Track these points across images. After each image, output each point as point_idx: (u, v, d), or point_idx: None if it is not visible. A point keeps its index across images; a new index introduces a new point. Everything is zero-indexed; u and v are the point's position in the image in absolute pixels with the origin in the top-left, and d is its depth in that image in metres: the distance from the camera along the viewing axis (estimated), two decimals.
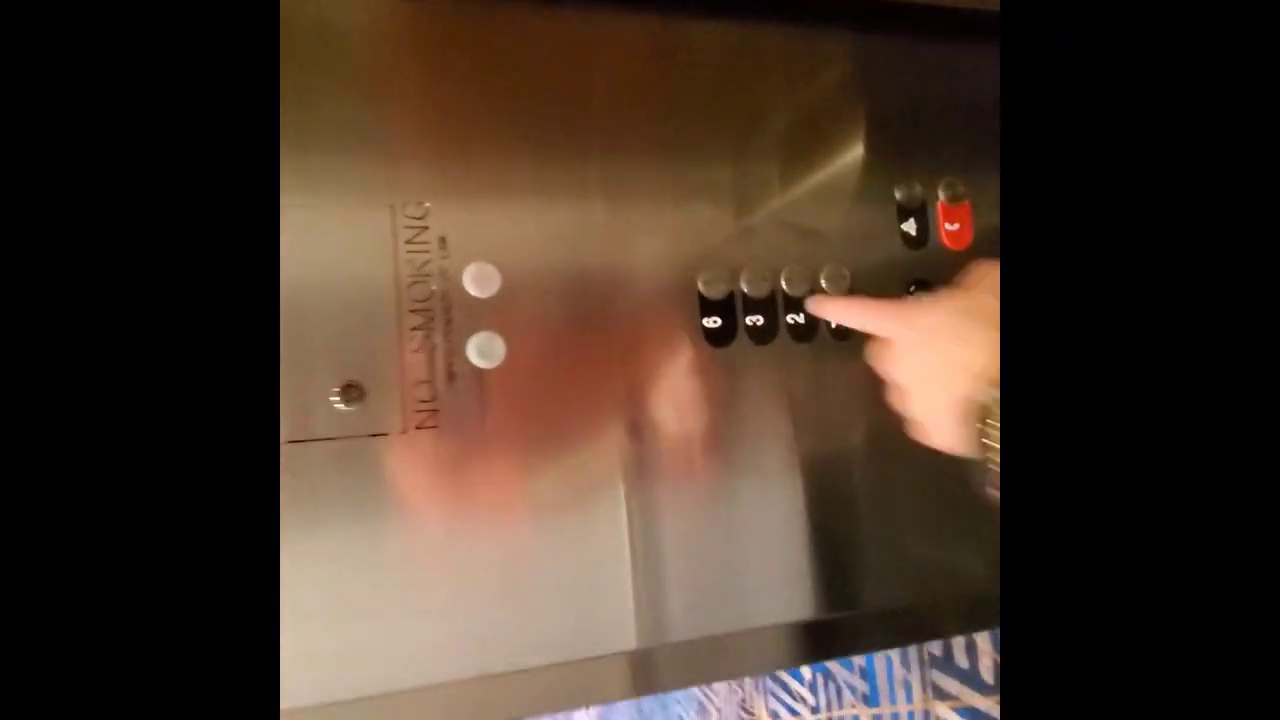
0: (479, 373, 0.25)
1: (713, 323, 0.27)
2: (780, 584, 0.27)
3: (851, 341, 0.29)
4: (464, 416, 0.25)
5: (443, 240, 0.25)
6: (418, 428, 0.24)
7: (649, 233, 0.27)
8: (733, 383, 0.27)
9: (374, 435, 0.24)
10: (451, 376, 0.25)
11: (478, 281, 0.25)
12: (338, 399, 0.23)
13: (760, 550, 0.27)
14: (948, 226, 0.31)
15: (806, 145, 0.30)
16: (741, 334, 0.28)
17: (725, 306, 0.28)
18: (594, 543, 0.25)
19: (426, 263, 0.25)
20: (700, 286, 0.27)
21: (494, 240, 0.25)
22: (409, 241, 0.25)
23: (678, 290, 0.27)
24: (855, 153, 0.30)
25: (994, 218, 0.31)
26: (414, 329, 0.24)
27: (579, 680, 0.24)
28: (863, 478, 0.29)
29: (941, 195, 0.31)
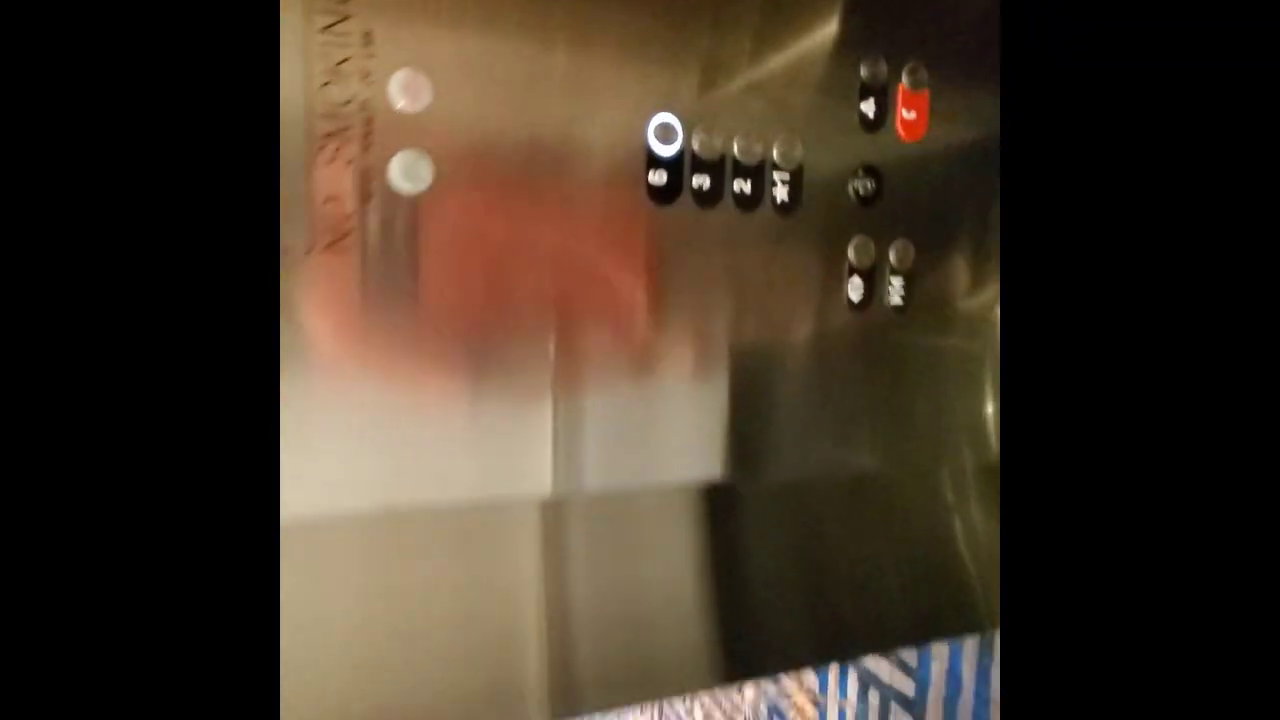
0: (399, 198, 0.22)
1: (658, 178, 0.26)
2: (694, 446, 0.27)
3: (795, 218, 0.28)
4: (379, 244, 0.22)
5: (367, 35, 0.22)
6: (324, 249, 0.22)
7: (606, 81, 0.25)
8: (670, 245, 0.26)
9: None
10: (367, 197, 0.22)
11: (407, 91, 0.22)
12: None
13: (680, 411, 0.27)
14: (905, 113, 0.30)
15: (782, 12, 0.27)
16: (686, 194, 0.26)
17: (673, 164, 0.26)
18: (514, 392, 0.24)
19: (345, 60, 0.21)
20: (650, 139, 0.25)
21: (431, 47, 0.22)
22: (325, 30, 0.21)
23: (627, 143, 0.25)
24: (829, 24, 0.28)
25: (951, 115, 0.31)
26: (326, 135, 0.21)
27: (488, 524, 0.24)
28: (795, 361, 0.29)
29: (905, 80, 0.29)
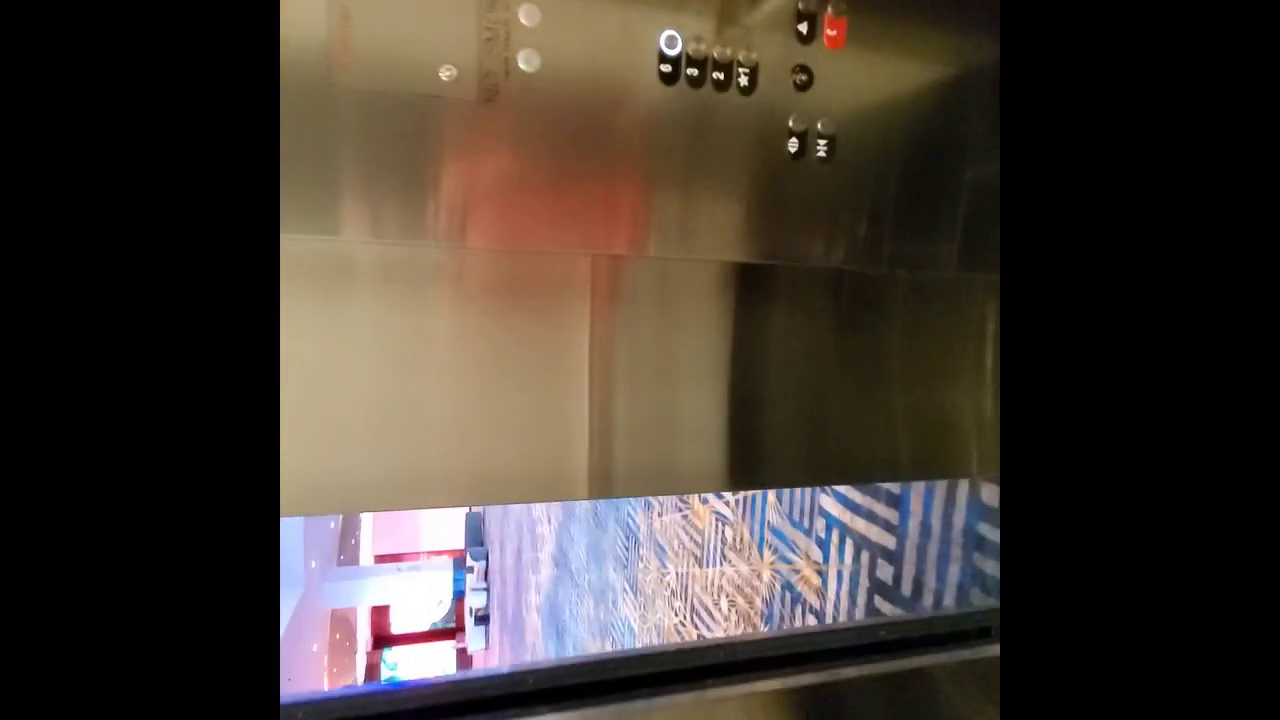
0: (524, 74, 0.42)
1: (665, 69, 0.44)
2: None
3: (753, 98, 0.46)
4: (514, 106, 0.42)
5: None
6: (483, 103, 0.41)
7: (640, 10, 0.43)
8: (668, 112, 0.45)
9: (459, 98, 0.41)
10: (507, 73, 0.41)
11: (528, 15, 0.41)
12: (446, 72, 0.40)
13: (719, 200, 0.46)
14: (829, 31, 0.47)
15: None
16: (682, 79, 0.44)
17: (675, 60, 0.44)
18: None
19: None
20: (661, 45, 0.44)
21: None
22: None
23: (647, 47, 0.44)
24: None
25: (865, 34, 0.47)
26: (487, 40, 0.41)
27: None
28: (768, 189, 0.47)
29: (829, 9, 0.47)
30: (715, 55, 0.45)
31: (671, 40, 0.44)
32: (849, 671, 0.54)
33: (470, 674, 0.50)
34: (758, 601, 1.36)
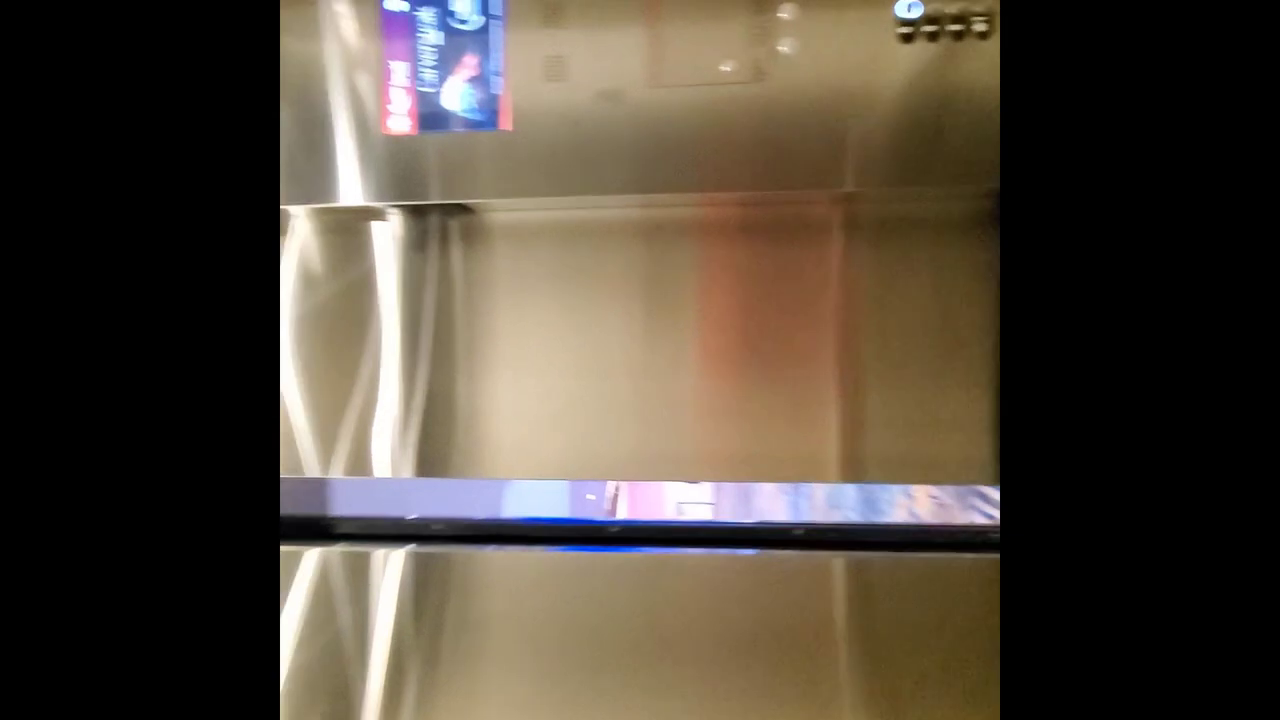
0: (787, 57, 0.53)
1: (903, 29, 0.52)
2: None
3: (990, 42, 0.51)
4: (779, 81, 0.54)
5: None
6: (756, 81, 0.54)
7: None
8: (908, 63, 0.53)
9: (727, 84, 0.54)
10: (773, 57, 0.54)
11: (787, 12, 0.53)
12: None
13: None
14: None
15: None
16: (920, 36, 0.52)
17: (913, 22, 0.52)
18: None
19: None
20: (898, 10, 0.52)
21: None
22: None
23: (890, 11, 0.53)
24: None
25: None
26: (755, 28, 0.54)
27: None
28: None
29: None
30: (951, 10, 0.52)
31: (912, 6, 0.52)
32: None
33: None
34: None
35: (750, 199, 0.57)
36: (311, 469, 0.65)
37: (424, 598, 0.62)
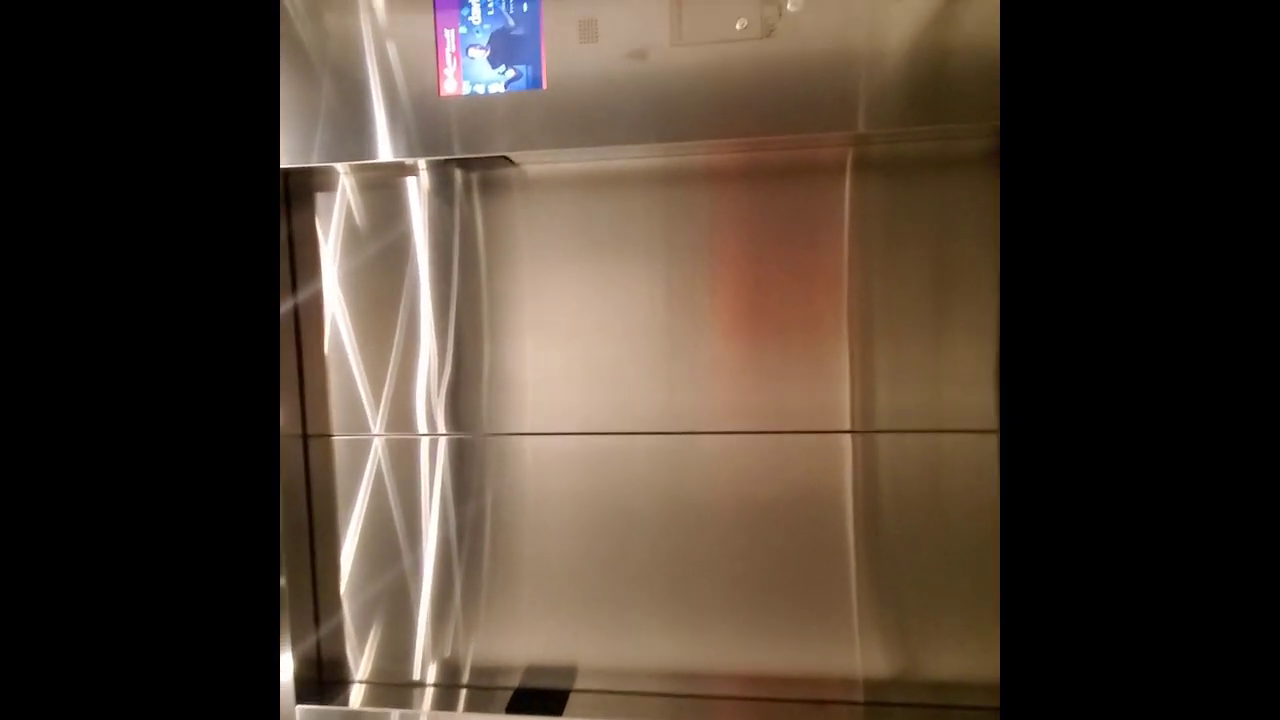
0: (793, 15, 0.60)
1: None
2: None
3: None
4: (788, 37, 0.60)
5: None
6: (766, 36, 0.61)
7: None
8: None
9: (741, 40, 0.61)
10: (781, 14, 0.60)
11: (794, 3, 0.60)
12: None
13: None
14: None
15: None
16: None
17: None
18: None
19: None
20: None
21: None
22: None
23: None
24: None
25: None
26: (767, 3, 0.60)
27: None
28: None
29: None
30: None
31: None
32: None
33: None
34: None
35: (763, 144, 0.64)
36: (361, 426, 0.74)
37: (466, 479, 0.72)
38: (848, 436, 0.69)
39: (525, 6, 0.63)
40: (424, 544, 0.76)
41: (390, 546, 0.77)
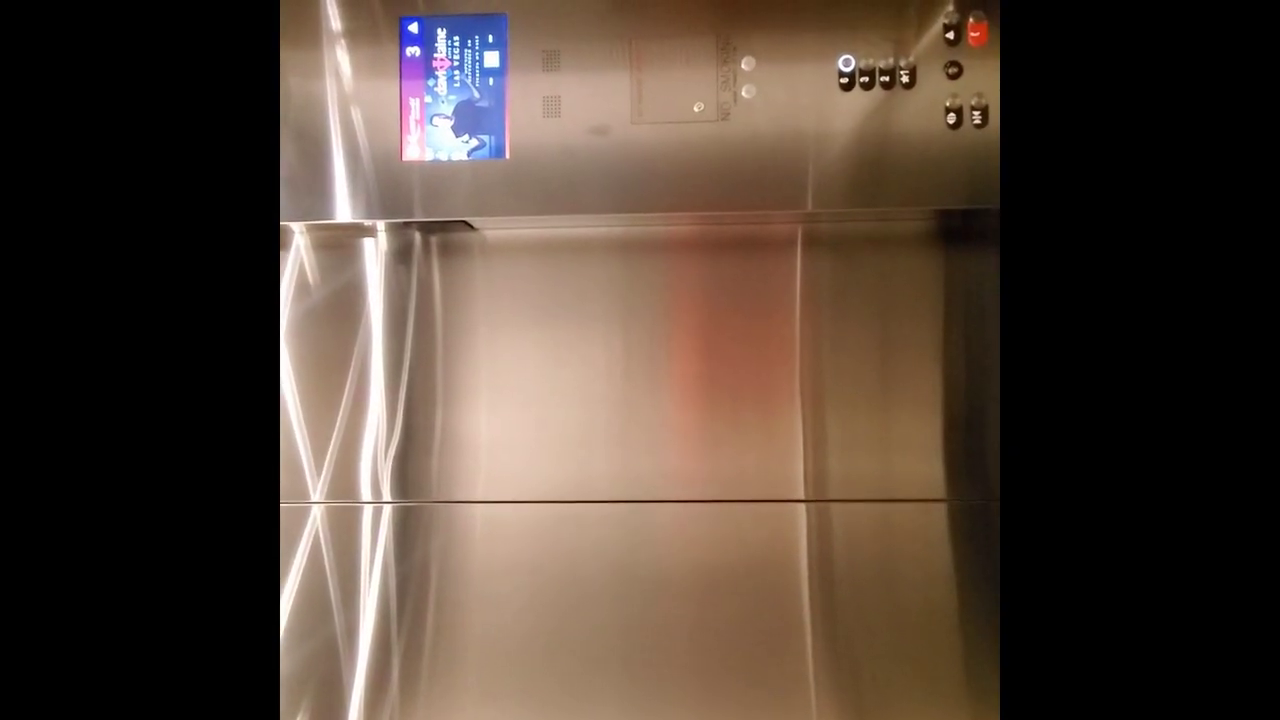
0: (747, 100, 0.64)
1: (844, 80, 0.63)
2: None
3: (915, 91, 0.63)
4: (741, 120, 0.64)
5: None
6: (722, 120, 0.64)
7: (832, 39, 0.64)
8: (847, 110, 0.64)
9: (707, 120, 0.64)
10: (736, 100, 0.64)
11: (747, 63, 0.63)
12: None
13: None
14: (973, 34, 0.62)
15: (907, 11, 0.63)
16: (856, 86, 0.63)
17: (850, 74, 0.63)
18: None
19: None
20: (839, 65, 0.63)
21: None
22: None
23: (831, 65, 0.64)
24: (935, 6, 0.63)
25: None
26: (721, 75, 0.64)
27: None
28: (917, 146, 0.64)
29: (971, 17, 0.62)
30: (880, 66, 0.63)
31: (847, 62, 0.63)
32: None
33: None
34: None
35: (718, 218, 0.67)
36: (300, 493, 0.71)
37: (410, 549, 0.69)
38: (801, 506, 0.69)
39: (491, 81, 0.65)
40: (360, 619, 0.72)
41: (324, 623, 0.72)
